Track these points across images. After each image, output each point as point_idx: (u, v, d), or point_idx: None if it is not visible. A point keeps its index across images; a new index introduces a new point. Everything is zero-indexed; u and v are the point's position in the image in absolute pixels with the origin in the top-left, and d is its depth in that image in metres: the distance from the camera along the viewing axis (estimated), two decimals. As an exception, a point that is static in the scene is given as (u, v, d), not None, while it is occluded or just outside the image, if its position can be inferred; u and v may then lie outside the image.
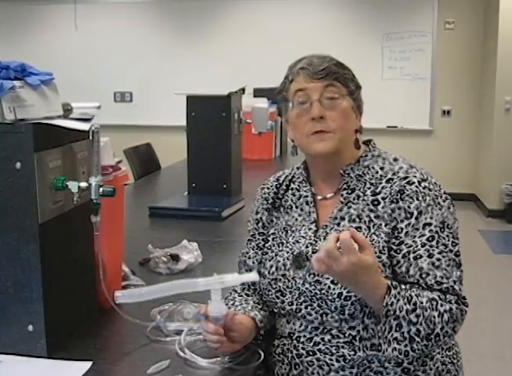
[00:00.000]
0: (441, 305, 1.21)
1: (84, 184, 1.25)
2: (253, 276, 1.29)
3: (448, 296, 1.23)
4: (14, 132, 1.17)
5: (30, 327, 1.22)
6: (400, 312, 1.18)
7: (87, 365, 1.20)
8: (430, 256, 1.25)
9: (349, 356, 1.27)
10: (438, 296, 1.22)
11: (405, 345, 1.19)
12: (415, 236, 1.26)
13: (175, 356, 1.25)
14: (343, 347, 1.28)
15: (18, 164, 1.17)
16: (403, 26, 6.69)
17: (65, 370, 1.19)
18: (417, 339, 1.18)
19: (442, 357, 1.34)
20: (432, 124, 6.85)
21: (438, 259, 1.25)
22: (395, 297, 1.19)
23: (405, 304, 1.19)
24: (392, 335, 1.19)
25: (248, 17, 6.95)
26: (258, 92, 3.86)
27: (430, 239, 1.26)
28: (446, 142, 6.86)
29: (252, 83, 3.72)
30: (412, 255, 1.25)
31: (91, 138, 1.25)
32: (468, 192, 6.76)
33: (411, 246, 1.26)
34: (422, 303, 1.19)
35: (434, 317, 1.19)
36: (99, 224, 1.30)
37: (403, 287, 1.22)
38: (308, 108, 1.33)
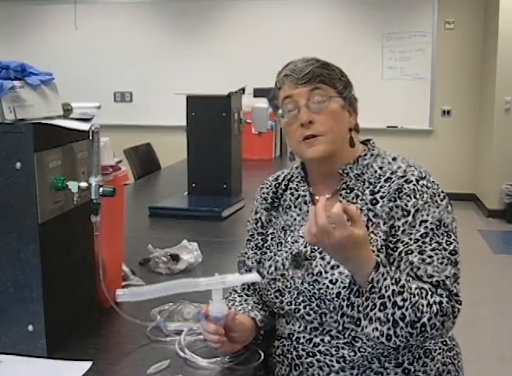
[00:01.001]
0: (431, 296, 1.19)
1: (84, 184, 1.25)
2: (254, 277, 1.29)
3: (439, 290, 1.22)
4: (14, 132, 1.17)
5: (30, 327, 1.22)
6: (386, 291, 1.17)
7: (87, 365, 1.20)
8: (421, 253, 1.24)
9: (349, 356, 1.27)
10: (429, 288, 1.21)
11: (388, 328, 1.17)
12: (411, 234, 1.26)
13: (175, 356, 1.25)
14: (343, 348, 1.28)
15: (18, 164, 1.17)
16: (403, 26, 6.70)
17: (65, 370, 1.19)
18: (401, 324, 1.17)
19: (443, 358, 1.34)
20: (432, 124, 6.85)
21: (430, 256, 1.23)
22: (383, 275, 1.17)
23: (392, 284, 1.17)
24: (375, 314, 1.17)
25: (248, 17, 6.95)
26: (258, 92, 3.85)
27: (424, 235, 1.25)
28: (446, 142, 6.86)
29: (252, 83, 3.72)
30: (405, 249, 1.25)
31: (91, 138, 1.25)
32: (468, 192, 6.77)
33: (406, 243, 1.25)
34: (411, 289, 1.18)
35: (423, 306, 1.17)
36: (99, 224, 1.30)
37: (393, 268, 1.21)
38: (297, 114, 1.33)
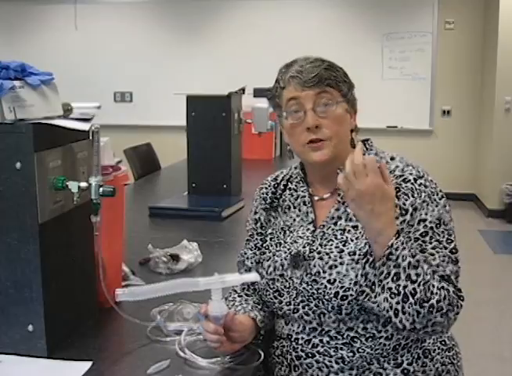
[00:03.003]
0: (440, 282, 1.20)
1: (84, 184, 1.25)
2: (254, 277, 1.29)
3: (444, 283, 1.22)
4: (14, 132, 1.17)
5: (30, 327, 1.22)
6: (403, 261, 1.16)
7: (87, 365, 1.20)
8: (422, 251, 1.24)
9: (348, 357, 1.27)
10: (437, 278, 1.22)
11: (397, 302, 1.17)
12: (409, 232, 1.26)
13: (175, 356, 1.25)
14: (341, 349, 1.28)
15: (18, 164, 1.17)
16: (403, 26, 6.70)
17: (65, 370, 1.20)
18: (411, 300, 1.16)
19: (442, 358, 1.34)
20: (432, 124, 6.85)
21: (432, 254, 1.24)
22: (402, 243, 1.17)
23: (409, 256, 1.17)
24: (388, 283, 1.18)
25: (248, 17, 6.95)
26: (258, 92, 3.85)
27: (424, 234, 1.26)
28: (446, 142, 6.86)
29: (252, 83, 3.72)
30: None
31: (91, 138, 1.26)
32: (468, 192, 6.77)
33: (406, 242, 1.25)
34: (424, 268, 1.18)
35: (433, 287, 1.18)
36: (99, 224, 1.30)
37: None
38: (302, 117, 1.32)
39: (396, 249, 1.17)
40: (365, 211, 1.17)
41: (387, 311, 1.19)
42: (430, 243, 1.25)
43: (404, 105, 6.77)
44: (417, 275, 1.17)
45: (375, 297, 1.20)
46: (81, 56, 7.22)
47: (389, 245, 1.17)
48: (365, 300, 1.23)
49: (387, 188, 1.17)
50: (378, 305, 1.20)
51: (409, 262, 1.17)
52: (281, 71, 1.36)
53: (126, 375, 1.22)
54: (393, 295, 1.17)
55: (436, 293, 1.18)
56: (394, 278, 1.17)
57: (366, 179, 1.15)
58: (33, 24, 7.37)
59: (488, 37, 6.42)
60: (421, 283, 1.17)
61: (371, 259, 1.23)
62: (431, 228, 1.26)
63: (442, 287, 1.19)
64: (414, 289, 1.16)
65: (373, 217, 1.17)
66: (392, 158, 1.38)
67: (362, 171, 1.15)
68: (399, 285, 1.17)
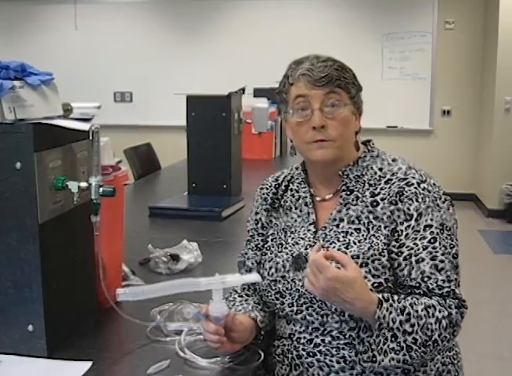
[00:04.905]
0: (440, 311, 1.21)
1: (84, 184, 1.25)
2: (254, 277, 1.29)
3: (448, 301, 1.23)
4: (14, 132, 1.17)
5: (30, 327, 1.22)
6: (393, 323, 1.18)
7: (87, 365, 1.20)
8: (432, 258, 1.24)
9: (349, 357, 1.27)
10: (438, 301, 1.22)
11: (404, 354, 1.19)
12: (416, 239, 1.26)
13: (175, 356, 1.25)
14: (343, 348, 1.28)
15: (18, 164, 1.17)
16: (403, 26, 6.69)
17: (65, 370, 1.19)
18: (415, 347, 1.19)
19: (442, 358, 1.34)
20: (432, 124, 6.84)
21: (442, 261, 1.24)
22: (387, 309, 1.18)
23: (397, 315, 1.18)
24: (388, 346, 1.19)
25: (248, 17, 6.95)
26: (258, 92, 3.86)
27: (432, 241, 1.25)
28: (446, 142, 6.86)
29: (252, 83, 3.72)
30: (414, 258, 1.25)
31: (91, 138, 1.25)
32: (468, 192, 6.76)
33: (412, 248, 1.26)
34: (417, 312, 1.19)
35: (431, 324, 1.19)
36: (99, 224, 1.30)
37: (396, 297, 1.21)
38: (309, 116, 1.31)
39: (384, 317, 1.18)
40: (338, 302, 1.19)
41: (395, 365, 1.21)
42: (440, 249, 1.25)
43: (404, 105, 6.77)
44: (412, 326, 1.18)
45: (379, 364, 1.21)
46: (81, 56, 7.21)
47: (376, 318, 1.18)
48: (370, 364, 1.22)
49: (344, 272, 1.15)
50: (385, 368, 1.23)
51: (400, 321, 1.18)
52: (291, 67, 1.36)
53: (126, 375, 1.22)
54: (397, 352, 1.19)
55: (436, 328, 1.19)
56: (393, 339, 1.19)
57: (321, 277, 1.14)
58: (33, 24, 7.36)
59: (488, 38, 6.42)
60: (418, 331, 1.18)
61: (362, 325, 1.24)
62: (437, 233, 1.26)
63: (443, 317, 1.21)
64: (414, 338, 1.18)
65: (348, 304, 1.18)
66: (394, 160, 1.38)
67: (316, 270, 1.15)
68: (399, 342, 1.18)
